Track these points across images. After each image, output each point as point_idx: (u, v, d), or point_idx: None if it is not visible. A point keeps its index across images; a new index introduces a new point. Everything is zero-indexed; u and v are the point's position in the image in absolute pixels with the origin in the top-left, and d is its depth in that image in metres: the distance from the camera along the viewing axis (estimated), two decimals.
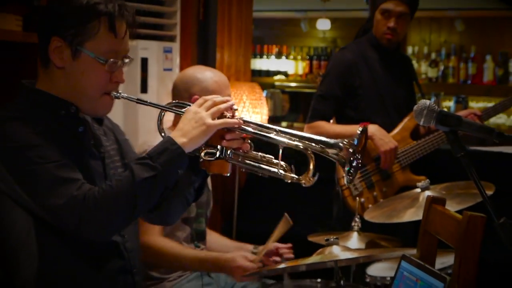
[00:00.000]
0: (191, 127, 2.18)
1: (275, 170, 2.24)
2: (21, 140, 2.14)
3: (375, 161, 3.88)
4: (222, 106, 2.23)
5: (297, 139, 2.23)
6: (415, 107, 2.05)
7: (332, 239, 2.90)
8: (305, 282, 3.25)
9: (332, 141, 2.19)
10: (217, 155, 2.25)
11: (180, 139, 2.17)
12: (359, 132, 2.17)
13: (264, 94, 7.54)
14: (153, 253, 3.07)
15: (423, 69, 8.23)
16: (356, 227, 3.41)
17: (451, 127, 2.00)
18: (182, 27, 4.30)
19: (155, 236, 3.11)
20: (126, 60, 2.30)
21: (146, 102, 2.35)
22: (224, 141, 2.24)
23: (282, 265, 3.09)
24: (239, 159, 2.28)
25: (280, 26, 9.34)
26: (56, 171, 2.12)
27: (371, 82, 3.94)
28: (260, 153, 2.30)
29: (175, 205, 2.42)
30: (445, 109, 7.28)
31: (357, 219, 3.43)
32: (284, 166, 2.25)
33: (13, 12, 3.30)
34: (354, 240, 3.37)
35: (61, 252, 2.23)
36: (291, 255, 3.39)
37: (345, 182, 2.20)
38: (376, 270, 3.28)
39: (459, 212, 3.11)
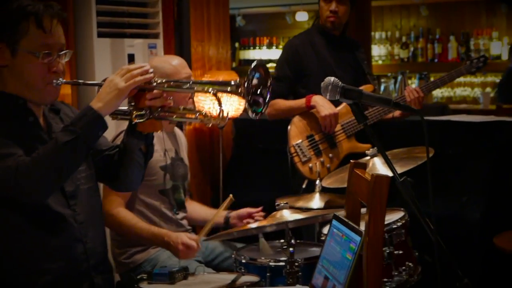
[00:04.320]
0: (105, 93, 2.24)
1: (195, 118, 2.30)
2: None
3: (322, 131, 3.92)
4: (135, 71, 2.27)
5: (206, 86, 2.29)
6: (322, 84, 2.06)
7: (282, 204, 2.90)
8: (274, 243, 3.26)
9: (231, 81, 2.21)
10: (146, 116, 2.30)
11: (96, 105, 2.22)
12: (251, 67, 2.18)
13: None
14: (113, 221, 3.10)
15: (396, 51, 8.24)
16: (317, 189, 3.44)
17: (353, 99, 2.01)
18: (164, 25, 4.31)
19: (117, 207, 3.12)
20: (62, 53, 2.34)
21: (80, 82, 2.45)
22: (147, 101, 2.29)
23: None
24: (166, 115, 2.33)
25: (269, 20, 9.37)
26: None
27: (317, 63, 4.00)
28: (182, 107, 2.36)
29: (131, 170, 2.49)
30: (413, 85, 7.28)
31: (318, 182, 3.46)
32: (202, 113, 2.29)
33: None
34: (317, 200, 3.38)
35: (14, 223, 2.29)
36: (261, 218, 3.41)
37: (250, 115, 2.20)
38: None
39: (404, 173, 3.15)
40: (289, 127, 3.94)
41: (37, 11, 2.27)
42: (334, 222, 2.25)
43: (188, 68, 3.33)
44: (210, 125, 2.27)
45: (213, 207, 4.43)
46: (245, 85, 2.14)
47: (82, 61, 3.93)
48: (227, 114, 2.23)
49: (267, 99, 2.20)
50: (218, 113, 2.23)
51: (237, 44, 9.23)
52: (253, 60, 8.05)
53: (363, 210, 2.29)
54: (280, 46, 8.99)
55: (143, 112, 2.30)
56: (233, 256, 3.16)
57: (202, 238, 3.05)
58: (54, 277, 2.33)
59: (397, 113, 4.03)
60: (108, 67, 3.99)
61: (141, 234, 3.14)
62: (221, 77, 4.60)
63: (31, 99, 2.35)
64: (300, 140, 3.92)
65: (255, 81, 2.18)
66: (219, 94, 2.27)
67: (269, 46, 9.09)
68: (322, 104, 3.85)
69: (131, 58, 4.11)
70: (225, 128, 4.71)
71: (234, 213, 3.49)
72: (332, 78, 2.03)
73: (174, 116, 2.34)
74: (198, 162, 4.82)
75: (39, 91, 2.33)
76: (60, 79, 2.34)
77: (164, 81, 2.32)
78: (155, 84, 2.29)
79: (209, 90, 2.26)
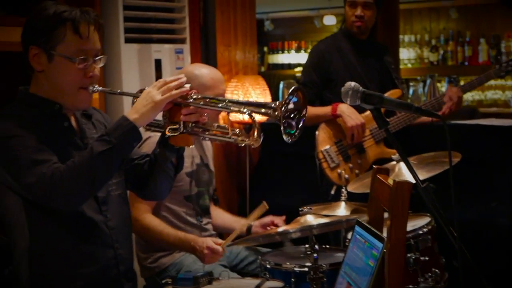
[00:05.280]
0: (142, 105, 2.24)
1: (228, 137, 2.29)
2: (5, 131, 2.23)
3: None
4: (172, 84, 2.27)
5: (242, 106, 2.26)
6: (342, 89, 2.04)
7: (305, 209, 2.89)
8: (299, 248, 3.24)
9: (267, 103, 2.20)
10: (180, 130, 2.30)
11: (132, 116, 2.23)
12: (290, 91, 2.16)
13: (281, 85, 7.58)
14: (140, 227, 3.11)
15: (425, 54, 8.17)
16: (343, 198, 3.40)
17: (374, 104, 1.99)
18: (190, 30, 4.33)
19: (143, 213, 3.14)
20: (97, 58, 2.35)
21: (117, 92, 2.48)
22: (182, 116, 2.28)
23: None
24: (199, 131, 2.32)
25: (297, 24, 9.35)
26: (32, 155, 2.19)
27: (344, 68, 3.97)
28: (216, 124, 2.35)
29: (160, 181, 2.49)
30: (442, 89, 7.18)
31: (343, 190, 3.42)
32: (236, 132, 2.28)
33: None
34: (342, 209, 3.35)
35: (48, 228, 2.31)
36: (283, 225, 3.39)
37: (285, 138, 2.18)
38: None
39: (431, 179, 3.11)
40: (317, 132, 3.91)
41: (74, 17, 2.28)
42: (357, 228, 2.24)
43: (224, 84, 3.34)
44: (243, 145, 2.27)
45: (241, 211, 4.44)
46: (282, 109, 2.12)
47: (109, 67, 3.95)
48: (262, 135, 2.22)
49: (300, 125, 2.18)
50: (251, 132, 2.22)
51: (265, 49, 9.23)
52: (282, 65, 8.07)
53: (386, 215, 2.28)
54: (309, 50, 8.96)
55: (176, 126, 2.30)
56: (258, 261, 3.15)
57: (227, 243, 3.05)
58: (85, 283, 2.34)
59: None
60: (135, 73, 4.02)
61: (168, 240, 3.16)
62: (248, 80, 4.60)
63: (65, 104, 2.36)
64: (328, 146, 3.90)
65: (291, 106, 2.17)
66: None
67: (298, 50, 9.08)
68: (349, 114, 3.81)
69: (158, 64, 4.13)
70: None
71: (257, 222, 3.48)
72: (353, 83, 2.01)
73: (207, 133, 2.33)
74: (225, 166, 4.82)
75: (73, 96, 2.34)
76: (96, 86, 2.35)
77: (200, 97, 2.31)
78: (191, 100, 2.28)
79: (245, 111, 2.24)
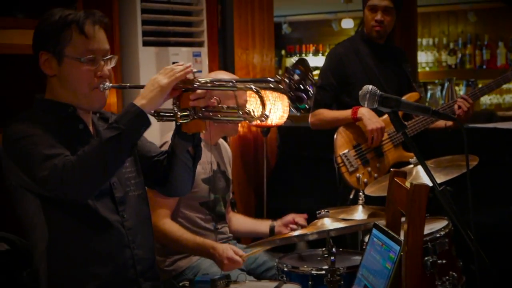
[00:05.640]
0: (149, 90, 2.25)
1: (238, 116, 2.30)
2: (19, 133, 2.27)
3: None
4: (177, 68, 2.29)
5: (248, 84, 2.28)
6: (360, 92, 2.04)
7: (323, 212, 2.89)
8: (316, 251, 3.24)
9: (271, 78, 2.20)
10: (191, 116, 2.31)
11: (139, 102, 2.24)
12: (293, 62, 2.17)
13: None
14: (159, 233, 3.11)
15: (443, 57, 8.16)
16: (360, 201, 3.40)
17: (392, 108, 1.99)
18: (208, 33, 4.34)
19: (162, 218, 3.15)
20: (106, 58, 2.38)
21: (126, 86, 2.54)
22: (191, 101, 2.29)
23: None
24: (210, 115, 2.33)
25: (315, 27, 9.37)
26: (44, 151, 2.22)
27: (361, 71, 3.96)
28: (225, 106, 2.35)
29: (180, 173, 2.50)
30: (460, 92, 7.16)
31: (361, 194, 3.42)
32: (246, 111, 2.29)
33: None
34: (360, 213, 3.35)
35: (65, 228, 2.32)
36: (305, 224, 3.39)
37: (294, 111, 2.19)
38: None
39: (449, 182, 3.11)
40: (335, 136, 3.90)
41: (78, 18, 2.32)
42: (374, 231, 2.24)
43: (247, 94, 3.34)
44: (254, 123, 2.28)
45: (258, 214, 4.45)
46: (287, 80, 2.12)
47: (127, 70, 3.97)
48: (270, 110, 2.23)
49: (310, 93, 2.16)
50: (261, 110, 2.21)
51: (283, 52, 9.25)
52: None
53: (404, 219, 2.27)
54: (326, 53, 8.98)
55: (187, 112, 2.30)
56: (275, 264, 3.16)
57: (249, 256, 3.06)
58: (101, 283, 2.35)
59: (448, 123, 3.95)
60: (153, 76, 4.02)
61: (187, 245, 3.17)
62: None
63: (80, 106, 2.39)
64: (347, 150, 3.89)
65: (296, 77, 2.16)
66: (262, 92, 2.26)
67: (315, 53, 9.10)
68: (369, 117, 3.80)
69: None
70: (269, 135, 4.71)
71: (279, 221, 3.49)
72: (370, 87, 2.01)
73: (218, 116, 2.34)
74: (242, 169, 4.83)
75: (87, 97, 2.36)
76: (107, 83, 2.36)
77: (207, 80, 2.32)
78: (198, 84, 2.29)
79: (251, 87, 2.24)
